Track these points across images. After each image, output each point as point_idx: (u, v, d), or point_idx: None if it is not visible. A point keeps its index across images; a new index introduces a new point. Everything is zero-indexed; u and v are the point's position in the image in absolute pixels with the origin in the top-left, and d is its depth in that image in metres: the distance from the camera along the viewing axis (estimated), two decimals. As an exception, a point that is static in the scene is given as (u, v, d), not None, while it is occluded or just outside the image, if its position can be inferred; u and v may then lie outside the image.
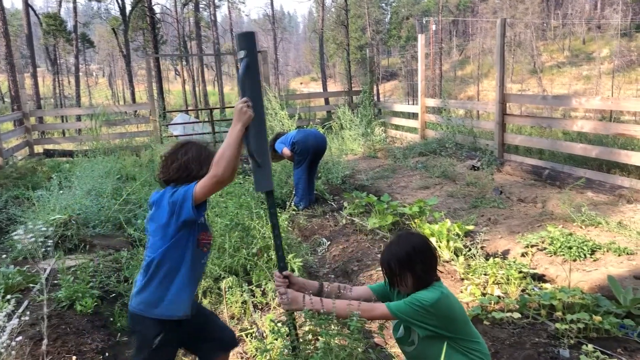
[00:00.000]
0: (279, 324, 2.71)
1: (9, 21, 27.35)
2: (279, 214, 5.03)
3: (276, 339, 3.16)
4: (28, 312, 3.45)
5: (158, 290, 2.47)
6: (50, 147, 13.27)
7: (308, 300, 2.47)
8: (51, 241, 3.81)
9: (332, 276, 5.13)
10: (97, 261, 5.10)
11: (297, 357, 2.52)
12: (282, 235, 4.82)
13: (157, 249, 2.47)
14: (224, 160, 2.29)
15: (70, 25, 39.46)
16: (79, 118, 15.67)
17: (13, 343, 2.45)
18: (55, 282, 4.65)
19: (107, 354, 3.66)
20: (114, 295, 4.62)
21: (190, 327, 2.64)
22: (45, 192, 7.02)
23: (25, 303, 4.17)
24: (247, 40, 2.40)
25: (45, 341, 2.58)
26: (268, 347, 3.08)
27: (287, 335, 2.61)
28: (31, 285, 4.61)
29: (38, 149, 12.75)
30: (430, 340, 2.39)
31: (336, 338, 2.47)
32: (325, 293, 2.64)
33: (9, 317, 2.73)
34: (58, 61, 42.29)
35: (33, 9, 35.77)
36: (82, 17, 46.86)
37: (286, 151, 7.14)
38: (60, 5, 41.02)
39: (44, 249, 3.75)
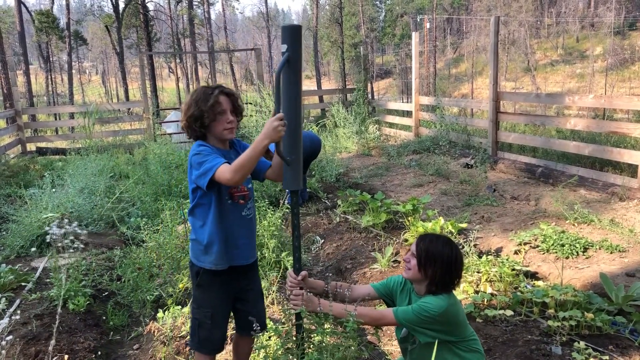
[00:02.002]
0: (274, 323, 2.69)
1: (0, 18, 27.21)
2: (272, 213, 5.05)
3: (269, 337, 3.17)
4: (19, 311, 3.43)
5: (195, 242, 2.65)
6: (42, 145, 13.20)
7: (317, 303, 2.47)
8: (81, 244, 3.82)
9: (329, 274, 5.12)
10: (90, 260, 5.08)
11: (293, 354, 2.52)
12: (276, 233, 4.82)
13: (190, 202, 2.66)
14: (242, 170, 2.37)
15: (62, 22, 39.27)
16: (72, 116, 15.55)
17: (3, 342, 2.43)
18: (48, 280, 4.64)
19: (99, 353, 3.65)
20: (106, 293, 4.61)
21: (236, 287, 2.71)
22: (37, 190, 6.99)
23: (17, 302, 4.15)
24: (291, 34, 2.30)
25: (53, 342, 2.56)
26: (265, 343, 3.07)
27: (287, 334, 2.59)
28: (23, 283, 4.59)
29: (30, 146, 12.68)
30: (431, 342, 2.40)
31: (331, 337, 2.47)
32: (331, 293, 2.63)
33: (0, 316, 2.72)
34: (51, 59, 42.04)
35: (25, 6, 35.54)
36: (75, 14, 46.62)
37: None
38: (52, 3, 40.75)
39: (71, 249, 3.76)
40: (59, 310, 3.24)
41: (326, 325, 2.48)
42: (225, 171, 2.40)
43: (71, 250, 3.78)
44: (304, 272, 2.52)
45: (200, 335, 2.68)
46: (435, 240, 2.52)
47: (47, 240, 3.85)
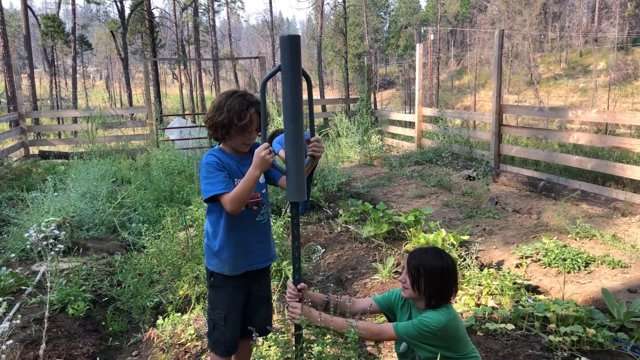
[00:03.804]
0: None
1: (7, 22, 27.34)
2: (273, 221, 5.04)
3: (270, 347, 3.15)
4: (19, 315, 3.42)
5: (207, 246, 2.72)
6: (45, 148, 13.23)
7: (316, 316, 2.46)
8: (61, 245, 3.81)
9: (330, 284, 5.11)
10: (91, 264, 5.07)
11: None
12: (277, 241, 4.81)
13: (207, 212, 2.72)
14: (239, 201, 2.45)
15: (68, 27, 39.46)
16: (75, 120, 15.65)
17: (3, 347, 2.43)
18: (48, 284, 4.62)
19: (97, 359, 3.63)
20: (106, 299, 4.60)
21: (249, 290, 2.76)
22: (39, 193, 6.99)
23: (17, 306, 4.14)
24: (287, 44, 2.28)
25: (43, 346, 2.55)
26: (264, 353, 3.06)
27: (286, 344, 2.58)
28: (23, 287, 4.58)
29: (33, 150, 12.71)
30: (431, 358, 2.39)
31: (331, 347, 2.46)
32: (332, 306, 2.62)
33: (0, 320, 2.71)
34: (55, 63, 42.22)
35: (32, 10, 35.76)
36: (81, 19, 46.84)
37: (282, 154, 7.09)
38: (59, 7, 41.01)
39: (53, 252, 3.75)
40: (47, 313, 3.22)
41: (327, 336, 2.46)
42: (225, 202, 2.48)
43: (52, 253, 3.76)
44: (302, 284, 2.52)
45: (215, 335, 2.74)
46: (425, 255, 2.50)
47: (28, 246, 3.82)
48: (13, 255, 5.15)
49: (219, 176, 2.53)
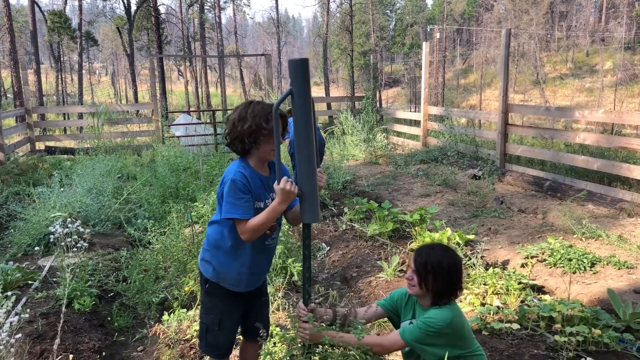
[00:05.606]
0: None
1: (14, 17, 27.44)
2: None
3: (275, 344, 3.16)
4: (28, 310, 3.45)
5: (208, 253, 2.63)
6: (51, 144, 13.28)
7: (322, 336, 2.46)
8: (85, 243, 3.84)
9: (335, 282, 5.11)
10: (96, 260, 5.09)
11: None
12: (282, 238, 4.82)
13: (213, 220, 2.63)
14: (257, 232, 2.43)
15: (74, 23, 39.51)
16: (81, 116, 15.66)
17: (12, 340, 2.45)
18: (54, 279, 4.65)
19: (104, 353, 3.65)
20: (112, 294, 4.62)
21: (248, 296, 2.72)
22: (46, 189, 7.01)
23: (23, 300, 4.16)
24: (296, 67, 2.28)
25: (57, 340, 2.57)
26: (271, 349, 3.07)
27: (293, 341, 2.59)
28: (29, 282, 4.60)
29: (39, 145, 12.76)
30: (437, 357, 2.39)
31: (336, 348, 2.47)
32: (341, 320, 2.62)
33: (9, 313, 2.73)
34: (62, 58, 42.35)
35: (38, 6, 35.85)
36: (87, 15, 46.94)
37: (286, 142, 7.09)
38: (65, 3, 41.09)
39: (75, 248, 3.79)
40: (64, 309, 3.25)
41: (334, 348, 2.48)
42: (243, 230, 2.42)
43: (75, 250, 3.79)
44: (312, 305, 2.54)
45: (207, 339, 2.70)
46: (432, 252, 2.51)
47: (51, 240, 3.86)
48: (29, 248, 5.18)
49: (242, 199, 2.43)
